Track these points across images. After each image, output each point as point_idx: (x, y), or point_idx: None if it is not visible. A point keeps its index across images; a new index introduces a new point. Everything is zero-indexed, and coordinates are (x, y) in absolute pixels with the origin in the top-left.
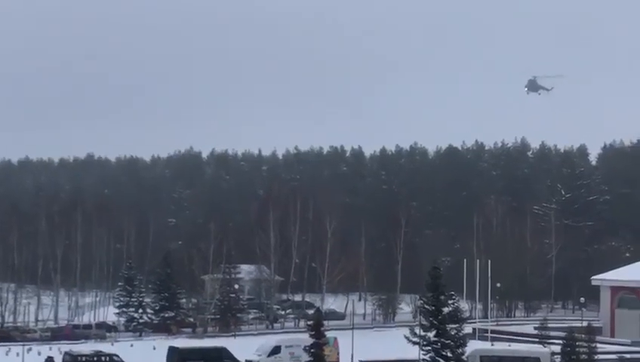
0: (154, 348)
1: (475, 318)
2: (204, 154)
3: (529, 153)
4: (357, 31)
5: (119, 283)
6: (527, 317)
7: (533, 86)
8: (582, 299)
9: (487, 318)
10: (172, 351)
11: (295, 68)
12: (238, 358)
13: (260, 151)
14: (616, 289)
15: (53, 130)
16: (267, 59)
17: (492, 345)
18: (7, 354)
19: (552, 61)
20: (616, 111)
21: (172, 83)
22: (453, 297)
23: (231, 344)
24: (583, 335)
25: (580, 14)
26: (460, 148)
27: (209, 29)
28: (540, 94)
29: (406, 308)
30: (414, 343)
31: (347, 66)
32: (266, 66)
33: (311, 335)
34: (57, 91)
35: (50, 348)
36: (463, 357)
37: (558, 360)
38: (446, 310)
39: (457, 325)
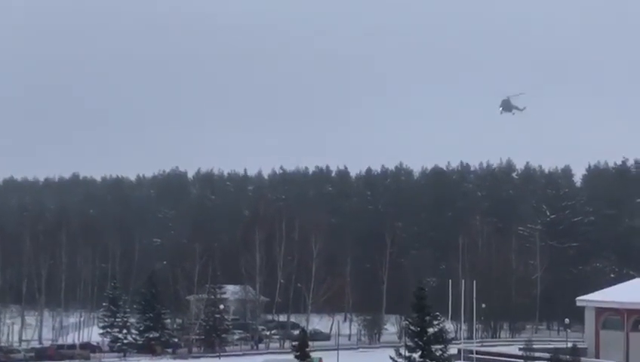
0: None
1: (460, 339)
2: (190, 174)
3: (514, 174)
4: (343, 52)
5: (104, 304)
6: (512, 337)
7: (507, 106)
8: (567, 320)
9: (472, 339)
10: None
11: (281, 89)
12: None
13: (245, 171)
14: (601, 311)
15: (38, 150)
16: (253, 79)
17: None
18: None
19: (535, 83)
20: (600, 132)
21: (158, 103)
22: (439, 318)
23: None
24: (568, 356)
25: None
26: (445, 168)
27: (195, 50)
28: (514, 114)
29: (391, 328)
30: None
31: (332, 87)
32: (252, 87)
33: (296, 356)
34: (42, 111)
35: None
36: None
37: None
38: (431, 331)
39: (442, 346)
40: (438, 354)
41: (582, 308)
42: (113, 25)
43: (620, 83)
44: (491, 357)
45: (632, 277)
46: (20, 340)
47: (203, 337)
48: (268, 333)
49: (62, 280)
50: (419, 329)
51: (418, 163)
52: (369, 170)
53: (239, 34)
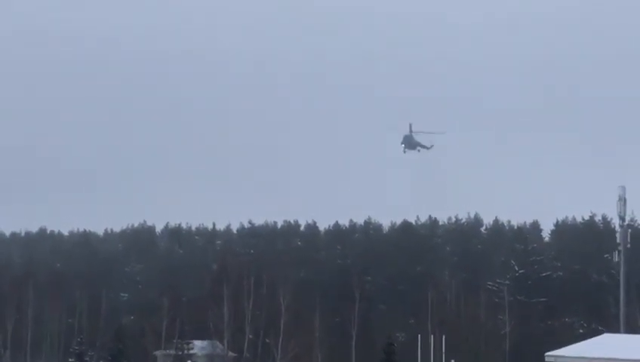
0: None
1: None
2: (158, 228)
3: (482, 229)
4: (309, 105)
5: (70, 359)
6: None
7: (409, 143)
8: None
9: None
10: None
11: (246, 143)
12: None
13: (214, 225)
14: None
15: (4, 204)
16: (219, 133)
17: None
18: None
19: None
20: (568, 187)
21: (125, 156)
22: None
23: None
24: None
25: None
26: (414, 223)
27: (161, 105)
28: (419, 151)
29: None
30: None
31: (298, 141)
32: (219, 140)
33: None
34: (8, 165)
35: None
36: None
37: None
38: None
39: None
40: None
41: None
42: (80, 83)
43: (583, 138)
44: None
45: (601, 332)
46: None
47: None
48: None
49: (28, 334)
50: None
51: (387, 217)
52: (337, 225)
53: (209, 91)
